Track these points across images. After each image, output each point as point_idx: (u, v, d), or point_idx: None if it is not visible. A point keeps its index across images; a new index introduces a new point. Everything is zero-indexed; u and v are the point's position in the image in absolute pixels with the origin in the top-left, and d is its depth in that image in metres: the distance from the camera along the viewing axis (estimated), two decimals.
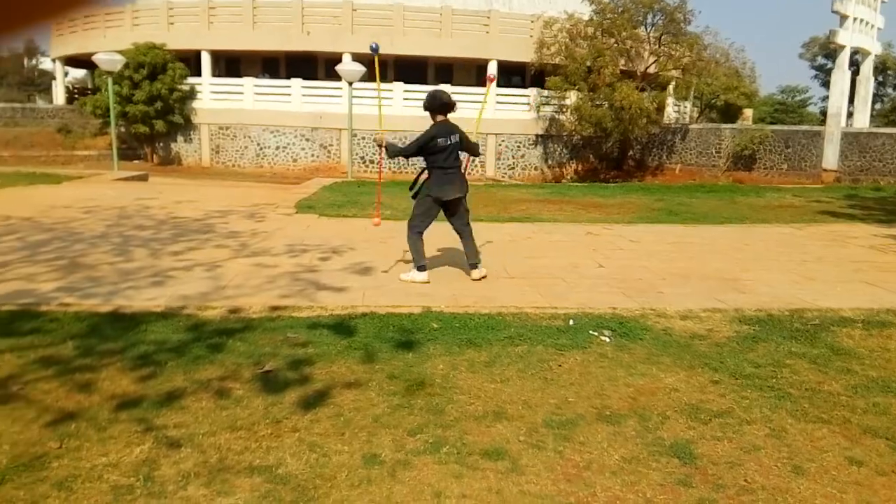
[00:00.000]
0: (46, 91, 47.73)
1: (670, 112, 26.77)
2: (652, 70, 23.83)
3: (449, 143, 5.58)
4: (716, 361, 3.94)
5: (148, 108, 22.18)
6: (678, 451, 2.87)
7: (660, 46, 23.56)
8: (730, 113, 27.40)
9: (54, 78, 32.91)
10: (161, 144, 24.17)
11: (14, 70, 64.86)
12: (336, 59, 21.88)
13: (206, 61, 24.19)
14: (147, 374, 3.47)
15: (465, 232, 5.78)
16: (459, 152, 5.71)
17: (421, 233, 5.64)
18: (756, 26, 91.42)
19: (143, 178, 14.01)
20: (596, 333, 4.36)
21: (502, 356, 3.92)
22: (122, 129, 23.13)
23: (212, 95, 23.85)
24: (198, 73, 23.96)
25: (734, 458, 2.83)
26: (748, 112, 29.88)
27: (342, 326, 4.31)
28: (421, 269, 5.55)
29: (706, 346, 4.21)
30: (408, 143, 5.88)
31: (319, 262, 6.16)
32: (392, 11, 23.20)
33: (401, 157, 5.94)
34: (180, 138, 24.10)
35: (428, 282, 5.49)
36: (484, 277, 5.71)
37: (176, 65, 22.69)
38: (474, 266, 5.78)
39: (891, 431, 3.08)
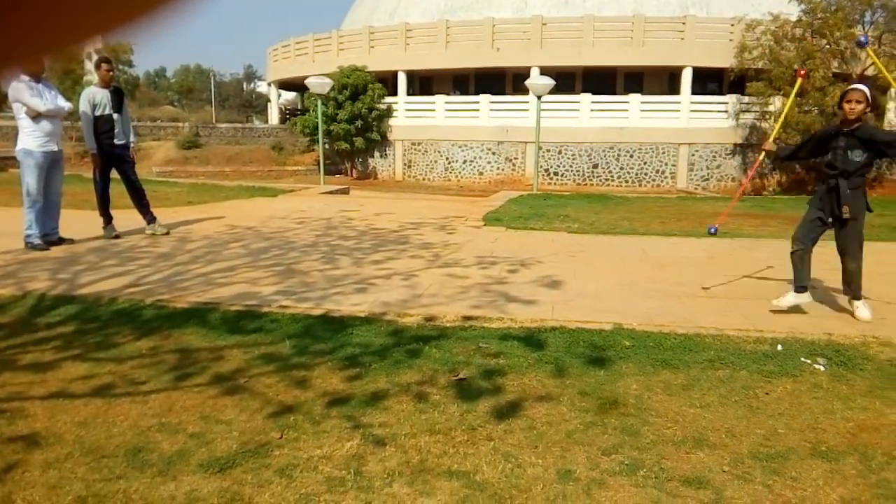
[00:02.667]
0: (262, 112, 53.13)
1: (892, 118, 23.97)
2: (870, 72, 21.50)
3: (837, 144, 4.95)
4: None
5: (349, 127, 23.89)
6: None
7: (880, 46, 21.21)
8: None
9: (269, 100, 36.54)
10: (360, 160, 25.91)
11: (235, 93, 72.82)
12: (524, 73, 22.19)
13: (402, 81, 25.59)
14: (354, 374, 3.73)
15: (844, 253, 5.09)
16: (852, 155, 4.90)
17: (801, 250, 5.02)
18: None
19: (346, 192, 15.08)
20: (808, 361, 4.02)
21: (701, 380, 3.73)
22: (326, 147, 25.14)
23: (406, 113, 25.18)
24: (394, 93, 25.42)
25: None
26: None
27: (532, 339, 4.34)
28: (800, 289, 4.98)
29: None
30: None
31: (508, 275, 6.25)
32: (582, 23, 23.06)
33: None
34: (377, 154, 25.68)
35: (802, 305, 4.98)
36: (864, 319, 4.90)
37: (375, 85, 24.24)
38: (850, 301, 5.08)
39: None
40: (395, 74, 25.62)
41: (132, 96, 42.44)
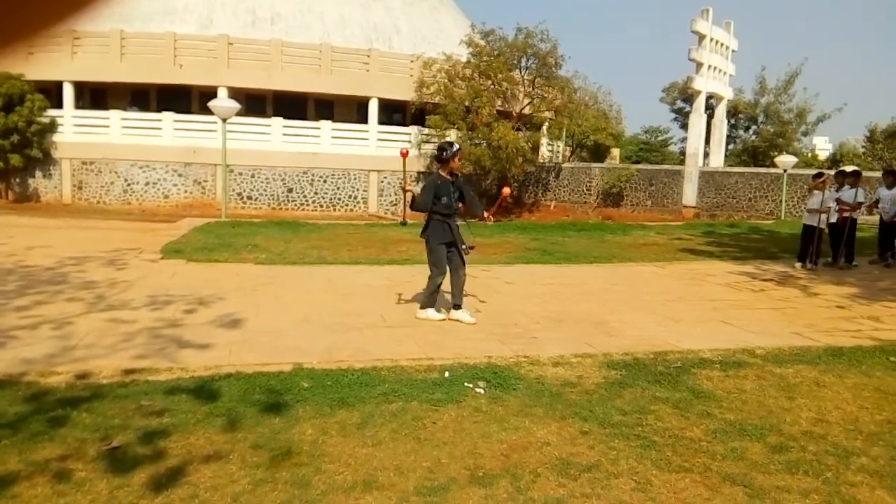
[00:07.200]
0: None
1: (544, 151, 27.90)
2: (527, 111, 24.78)
3: (451, 191, 6.05)
4: (585, 410, 4.00)
5: (3, 142, 20.61)
6: None
7: (533, 89, 24.59)
8: (599, 152, 28.92)
9: None
10: (17, 180, 22.46)
11: None
12: (212, 92, 21.27)
13: (68, 93, 22.81)
14: None
15: (459, 268, 6.15)
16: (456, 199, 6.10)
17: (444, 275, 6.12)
18: (621, 71, 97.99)
19: None
20: (471, 385, 4.33)
21: (375, 416, 3.80)
22: None
23: (74, 129, 22.48)
24: (59, 105, 22.54)
25: None
26: (615, 151, 31.69)
27: (204, 390, 4.04)
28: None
29: (577, 395, 4.28)
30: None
31: (184, 316, 5.81)
32: (270, 47, 22.88)
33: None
34: (39, 173, 22.50)
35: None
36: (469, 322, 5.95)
37: (35, 96, 21.29)
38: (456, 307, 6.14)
39: (748, 478, 3.21)
40: (59, 85, 22.71)
41: None
